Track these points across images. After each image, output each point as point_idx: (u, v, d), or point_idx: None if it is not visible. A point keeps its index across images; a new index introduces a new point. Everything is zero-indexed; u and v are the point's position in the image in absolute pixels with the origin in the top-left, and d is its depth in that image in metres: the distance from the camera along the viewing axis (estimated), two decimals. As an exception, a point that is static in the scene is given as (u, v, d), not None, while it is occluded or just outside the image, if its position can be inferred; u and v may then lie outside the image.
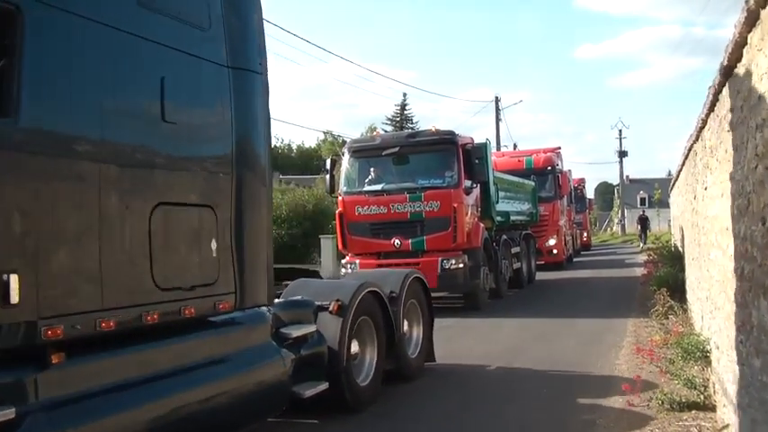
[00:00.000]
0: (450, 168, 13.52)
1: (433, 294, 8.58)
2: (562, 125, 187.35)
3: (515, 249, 17.49)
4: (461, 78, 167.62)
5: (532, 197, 21.09)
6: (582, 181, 37.97)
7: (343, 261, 14.40)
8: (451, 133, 13.95)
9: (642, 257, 25.67)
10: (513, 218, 18.08)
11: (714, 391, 6.16)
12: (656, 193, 79.99)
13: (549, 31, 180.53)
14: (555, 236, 23.92)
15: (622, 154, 63.70)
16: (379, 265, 13.03)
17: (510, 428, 6.16)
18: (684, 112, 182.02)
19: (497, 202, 15.62)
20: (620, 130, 62.64)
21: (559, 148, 26.83)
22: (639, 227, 40.71)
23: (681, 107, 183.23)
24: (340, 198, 14.05)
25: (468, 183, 13.63)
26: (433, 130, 14.23)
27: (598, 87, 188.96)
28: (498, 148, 39.37)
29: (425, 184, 13.52)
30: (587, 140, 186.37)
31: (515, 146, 44.15)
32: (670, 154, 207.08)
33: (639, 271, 18.96)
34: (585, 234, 36.76)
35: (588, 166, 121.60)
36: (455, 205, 13.05)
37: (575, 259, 28.77)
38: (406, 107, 43.86)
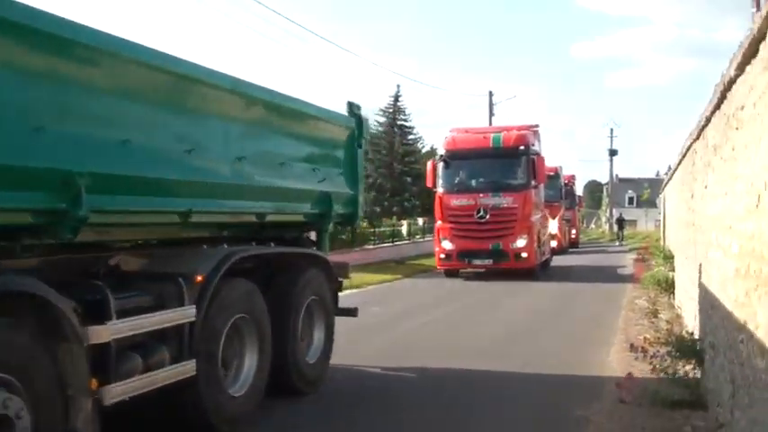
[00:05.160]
0: None
1: None
2: (555, 122, 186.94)
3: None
4: (458, 69, 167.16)
5: (347, 154, 7.93)
6: (573, 177, 38.14)
7: None
8: None
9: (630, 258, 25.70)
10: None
11: (707, 390, 6.15)
12: (644, 192, 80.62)
13: (546, 28, 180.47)
14: (525, 235, 18.57)
15: (612, 152, 64.11)
16: None
17: (502, 425, 6.10)
18: (677, 113, 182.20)
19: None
20: (611, 129, 63.04)
21: (537, 125, 21.55)
22: (617, 227, 46.53)
23: (673, 108, 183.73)
24: None
25: None
26: None
27: (593, 85, 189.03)
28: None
29: None
30: (579, 138, 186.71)
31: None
32: (660, 154, 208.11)
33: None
34: (574, 231, 36.83)
35: (579, 164, 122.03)
36: None
37: (563, 255, 27.89)
38: (399, 98, 43.20)
